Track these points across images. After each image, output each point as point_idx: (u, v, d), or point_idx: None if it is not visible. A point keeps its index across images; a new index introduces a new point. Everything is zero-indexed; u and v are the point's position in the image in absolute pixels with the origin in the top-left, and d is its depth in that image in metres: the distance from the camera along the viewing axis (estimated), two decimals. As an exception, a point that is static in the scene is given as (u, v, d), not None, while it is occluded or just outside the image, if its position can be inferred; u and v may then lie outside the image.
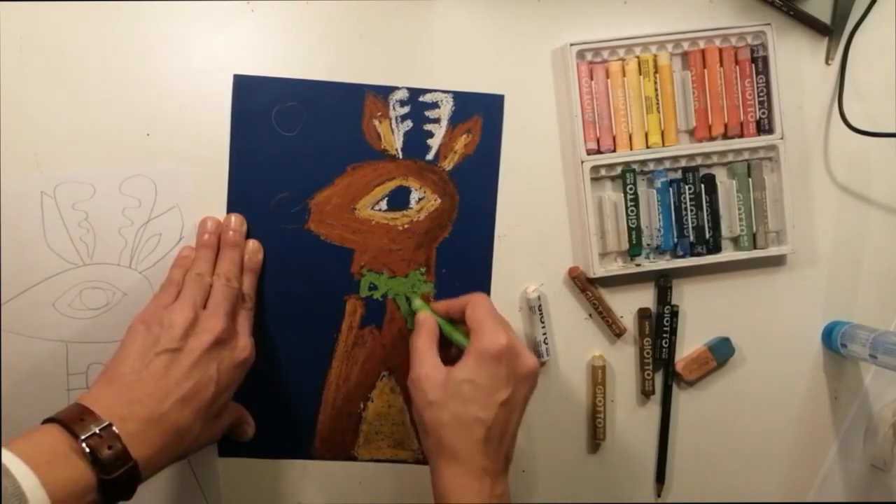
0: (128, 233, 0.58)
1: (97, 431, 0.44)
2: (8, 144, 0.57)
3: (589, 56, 0.61)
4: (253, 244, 0.59)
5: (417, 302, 0.60)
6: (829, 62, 0.64)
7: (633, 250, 0.62)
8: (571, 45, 0.60)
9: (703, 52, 0.61)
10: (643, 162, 0.61)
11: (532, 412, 0.63)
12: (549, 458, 0.65)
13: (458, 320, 0.57)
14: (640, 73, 0.61)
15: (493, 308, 0.55)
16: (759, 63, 0.62)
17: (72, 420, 0.44)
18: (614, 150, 0.61)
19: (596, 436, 0.64)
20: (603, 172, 0.61)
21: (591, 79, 0.61)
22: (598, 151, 0.61)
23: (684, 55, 0.62)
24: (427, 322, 0.56)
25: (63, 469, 0.42)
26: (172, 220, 0.59)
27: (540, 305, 0.62)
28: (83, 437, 0.43)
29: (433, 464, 0.52)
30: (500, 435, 0.51)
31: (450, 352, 0.57)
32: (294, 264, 0.60)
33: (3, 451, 0.41)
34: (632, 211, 0.61)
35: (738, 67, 0.61)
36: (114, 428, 0.44)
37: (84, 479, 0.42)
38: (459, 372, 0.51)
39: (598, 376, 0.63)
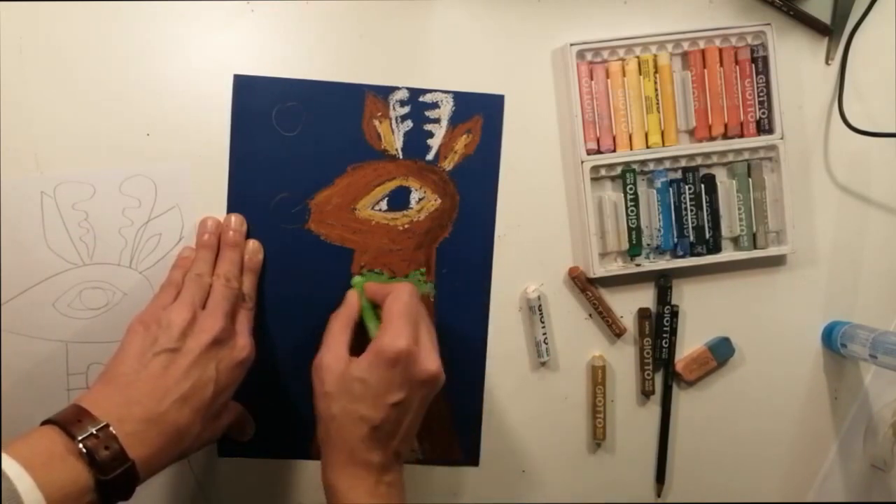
0: (128, 233, 0.58)
1: (94, 432, 0.43)
2: (8, 144, 0.56)
3: (589, 56, 0.60)
4: (253, 244, 0.58)
5: (355, 279, 0.59)
6: (829, 62, 0.63)
7: (633, 250, 0.61)
8: (571, 45, 0.59)
9: (703, 52, 0.61)
10: (643, 162, 0.60)
11: (532, 412, 0.63)
12: (549, 458, 0.64)
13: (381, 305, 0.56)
14: (640, 73, 0.60)
15: (411, 303, 0.52)
16: (759, 63, 0.61)
17: (69, 421, 0.44)
18: (614, 150, 0.60)
19: (596, 436, 0.63)
20: (603, 172, 0.61)
21: (591, 79, 0.60)
22: (598, 151, 0.60)
23: (684, 55, 0.61)
24: (349, 304, 0.56)
25: (59, 470, 0.41)
26: (172, 220, 0.58)
27: (540, 305, 0.61)
28: (80, 438, 0.43)
29: (322, 451, 0.52)
30: (389, 433, 0.51)
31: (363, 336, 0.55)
32: (294, 264, 0.60)
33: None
34: (632, 211, 0.60)
35: (738, 67, 0.61)
36: (111, 428, 0.44)
37: (81, 480, 0.42)
38: (355, 369, 0.50)
39: (598, 376, 0.62)
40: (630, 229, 0.61)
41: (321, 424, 0.52)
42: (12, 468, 0.40)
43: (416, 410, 0.52)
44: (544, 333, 0.62)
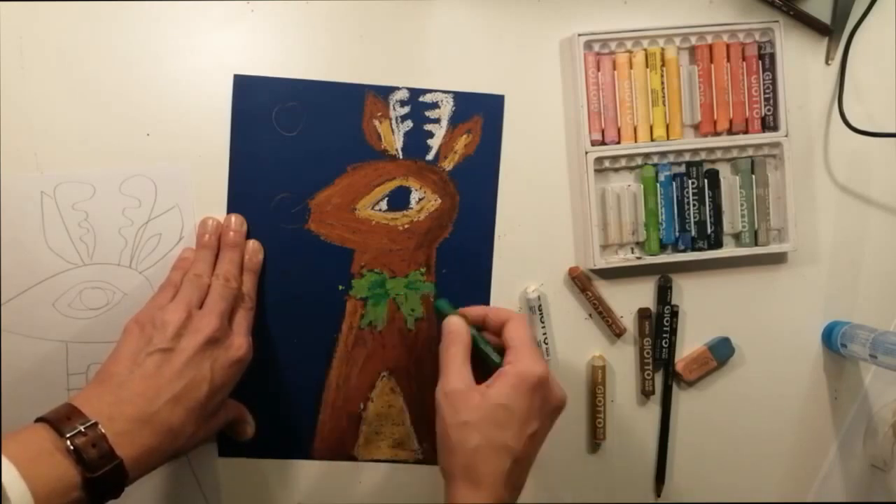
0: (128, 233, 0.54)
1: (82, 430, 0.41)
2: (8, 144, 0.53)
3: (596, 47, 0.57)
4: (253, 244, 0.55)
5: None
6: (829, 62, 0.60)
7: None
8: (579, 35, 0.56)
9: (710, 46, 0.57)
10: (647, 155, 0.57)
11: (532, 412, 0.59)
12: (549, 458, 0.60)
13: (489, 331, 0.51)
14: (646, 66, 0.57)
15: (531, 331, 0.50)
16: (766, 60, 0.57)
17: (59, 419, 0.42)
18: (619, 142, 0.57)
19: (596, 436, 0.59)
20: (607, 164, 0.57)
21: (598, 70, 0.56)
22: (603, 143, 0.57)
23: (692, 49, 0.58)
24: (460, 332, 0.50)
25: (46, 466, 0.40)
26: (172, 220, 0.55)
27: (540, 305, 0.58)
28: (68, 436, 0.41)
29: (452, 484, 0.46)
30: (523, 467, 0.46)
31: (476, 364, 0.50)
32: (294, 264, 0.56)
33: None
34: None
35: (744, 63, 0.57)
36: (100, 427, 0.42)
37: (67, 477, 0.40)
38: (496, 395, 0.45)
39: (598, 376, 0.59)
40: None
41: (454, 457, 0.45)
42: None
43: (542, 443, 0.48)
44: (544, 333, 0.58)
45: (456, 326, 0.50)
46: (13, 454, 0.39)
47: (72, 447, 0.40)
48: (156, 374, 0.45)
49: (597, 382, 0.59)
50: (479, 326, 0.52)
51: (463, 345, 0.49)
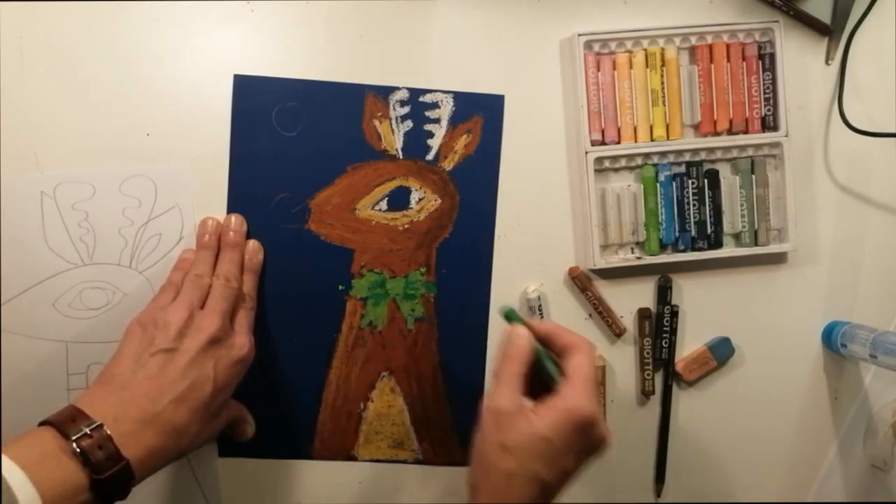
0: (128, 233, 0.55)
1: (87, 432, 0.41)
2: (8, 144, 0.53)
3: (596, 47, 0.57)
4: (253, 244, 0.55)
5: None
6: (829, 62, 0.60)
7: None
8: (580, 35, 0.56)
9: (710, 46, 0.57)
10: (647, 155, 0.57)
11: (532, 412, 0.60)
12: (549, 458, 0.60)
13: (552, 349, 0.49)
14: (646, 66, 0.57)
15: (595, 364, 0.47)
16: (766, 60, 0.57)
17: (64, 422, 0.42)
18: (619, 142, 0.57)
19: (596, 436, 0.60)
20: (607, 164, 0.57)
21: (598, 70, 0.57)
22: (603, 143, 0.57)
23: (692, 50, 0.58)
24: (525, 348, 0.47)
25: (53, 470, 0.40)
26: (172, 220, 0.55)
27: (540, 305, 0.58)
28: (74, 438, 0.41)
29: (477, 498, 0.45)
30: (550, 498, 0.45)
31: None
32: (294, 264, 0.56)
33: None
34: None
35: (744, 63, 0.57)
36: (105, 428, 0.42)
37: (75, 480, 0.40)
38: (541, 425, 0.44)
39: (598, 376, 0.59)
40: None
41: (487, 475, 0.45)
42: (5, 464, 0.38)
43: (573, 478, 0.47)
44: (544, 333, 0.58)
45: (522, 340, 0.47)
46: (19, 458, 0.39)
47: (78, 449, 0.40)
48: (159, 375, 0.45)
49: (597, 382, 0.59)
50: (542, 341, 0.49)
51: (523, 363, 0.47)
